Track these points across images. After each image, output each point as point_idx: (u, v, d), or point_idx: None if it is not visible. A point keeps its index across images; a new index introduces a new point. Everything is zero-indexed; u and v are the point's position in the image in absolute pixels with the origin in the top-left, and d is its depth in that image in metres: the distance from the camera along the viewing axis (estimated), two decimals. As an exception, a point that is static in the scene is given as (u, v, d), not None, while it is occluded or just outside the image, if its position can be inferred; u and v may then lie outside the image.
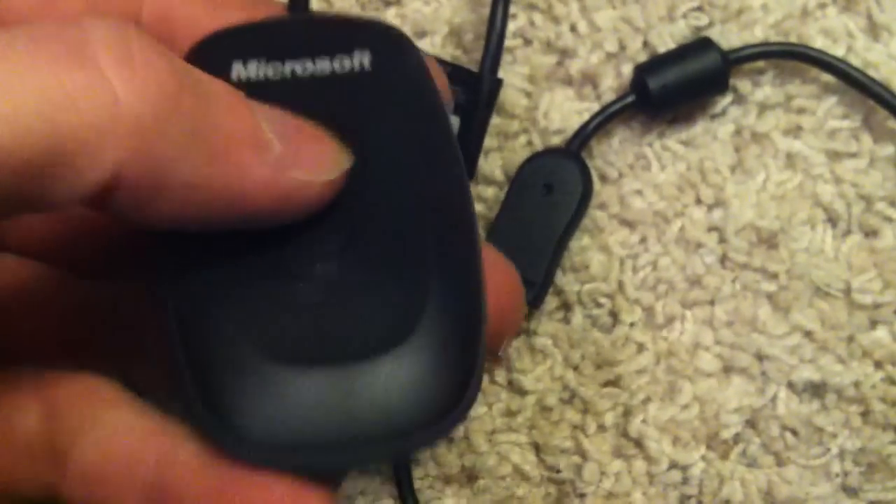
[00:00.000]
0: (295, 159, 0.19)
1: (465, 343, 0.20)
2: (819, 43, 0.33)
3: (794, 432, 0.32)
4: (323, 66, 0.22)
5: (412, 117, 0.22)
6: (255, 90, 0.20)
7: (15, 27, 0.17)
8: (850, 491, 0.32)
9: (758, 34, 0.34)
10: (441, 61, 0.33)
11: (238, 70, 0.22)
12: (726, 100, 0.34)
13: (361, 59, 0.22)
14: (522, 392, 0.33)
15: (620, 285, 0.33)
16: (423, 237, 0.20)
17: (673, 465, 0.32)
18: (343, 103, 0.21)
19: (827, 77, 0.33)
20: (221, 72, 0.21)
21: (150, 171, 0.17)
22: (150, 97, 0.17)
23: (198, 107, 0.18)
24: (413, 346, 0.19)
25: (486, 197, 0.34)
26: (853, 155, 0.33)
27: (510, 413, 0.33)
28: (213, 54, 0.22)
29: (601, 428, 0.33)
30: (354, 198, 0.20)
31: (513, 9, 0.33)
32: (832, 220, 0.33)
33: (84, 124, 0.16)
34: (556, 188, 0.32)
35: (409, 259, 0.20)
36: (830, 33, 0.34)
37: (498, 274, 0.22)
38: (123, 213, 0.18)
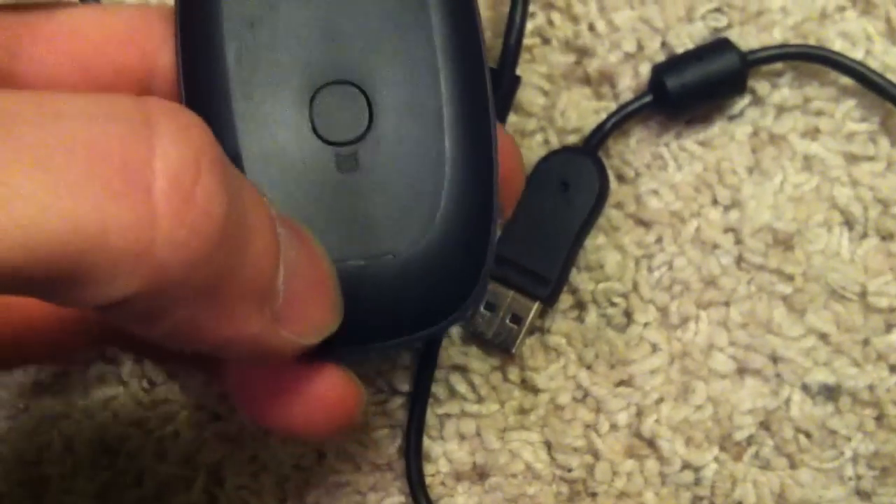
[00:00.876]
0: (289, 317, 0.18)
1: (480, 233, 0.21)
2: (838, 45, 0.33)
3: (808, 435, 0.32)
4: None
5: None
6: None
7: (70, 99, 0.15)
8: (864, 495, 0.32)
9: (776, 36, 0.34)
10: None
11: None
12: (744, 101, 0.33)
13: None
14: (535, 390, 0.33)
15: (635, 285, 0.33)
16: (441, 122, 0.21)
17: (685, 466, 0.32)
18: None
19: (845, 80, 0.33)
20: None
21: (153, 304, 0.16)
22: (190, 248, 0.15)
23: (229, 258, 0.16)
24: (435, 241, 0.20)
25: (502, 194, 0.34)
26: (870, 158, 0.33)
27: (523, 411, 0.33)
28: None
29: (614, 427, 0.33)
30: (375, 82, 0.21)
31: (531, 7, 0.33)
32: (849, 223, 0.33)
33: (108, 260, 0.15)
34: (573, 187, 0.32)
35: (429, 146, 0.21)
36: (849, 36, 0.34)
37: (502, 149, 0.22)
38: (111, 318, 0.16)
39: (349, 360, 0.22)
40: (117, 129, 0.15)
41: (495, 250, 0.22)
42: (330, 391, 0.22)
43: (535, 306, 0.32)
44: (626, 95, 0.34)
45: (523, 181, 0.25)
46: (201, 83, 0.21)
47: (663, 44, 0.34)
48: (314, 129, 0.21)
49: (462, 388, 0.33)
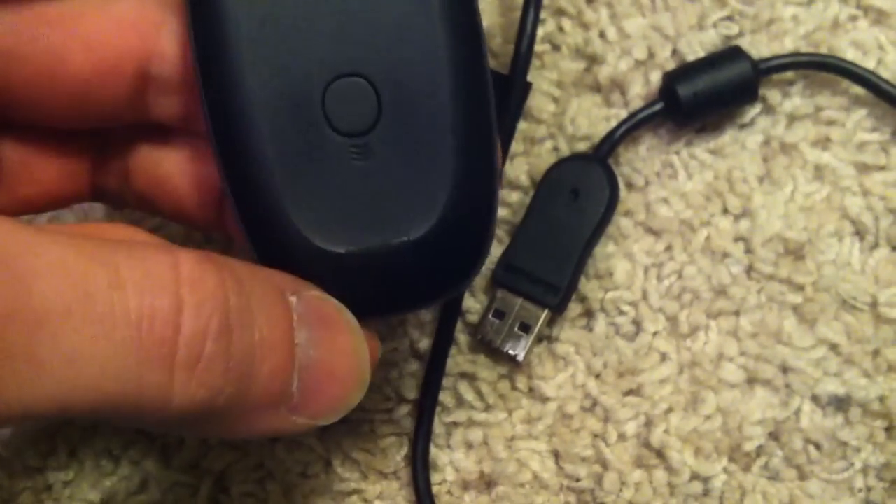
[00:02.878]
0: (305, 407, 0.21)
1: (483, 214, 0.23)
2: (849, 55, 0.33)
3: (818, 446, 0.32)
4: None
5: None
6: None
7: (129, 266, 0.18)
8: (874, 507, 0.32)
9: (788, 45, 0.33)
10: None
11: None
12: (755, 110, 0.33)
13: None
14: (543, 399, 0.33)
15: (644, 294, 0.33)
16: (445, 112, 0.22)
17: (694, 477, 0.32)
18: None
19: (857, 89, 0.33)
20: None
21: (177, 426, 0.20)
22: (198, 397, 0.18)
23: (238, 389, 0.19)
24: (443, 223, 0.22)
25: (511, 202, 0.33)
26: (882, 168, 0.33)
27: (530, 420, 0.33)
28: None
29: (622, 437, 0.33)
30: (382, 74, 0.22)
31: (542, 14, 0.33)
32: (860, 233, 0.33)
33: (138, 408, 0.18)
34: (583, 194, 0.32)
35: (434, 133, 0.22)
36: (861, 45, 0.33)
37: None
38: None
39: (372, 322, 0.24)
40: (160, 303, 0.18)
41: (496, 225, 0.24)
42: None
43: (544, 314, 0.32)
44: (637, 103, 0.33)
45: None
46: (216, 84, 0.22)
47: (674, 51, 0.34)
48: (328, 122, 0.22)
49: (470, 396, 0.33)
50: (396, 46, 0.22)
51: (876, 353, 0.32)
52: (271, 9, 0.22)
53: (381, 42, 0.22)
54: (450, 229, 0.22)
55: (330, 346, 0.21)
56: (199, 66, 0.22)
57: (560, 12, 0.34)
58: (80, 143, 0.25)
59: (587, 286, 0.33)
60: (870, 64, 0.33)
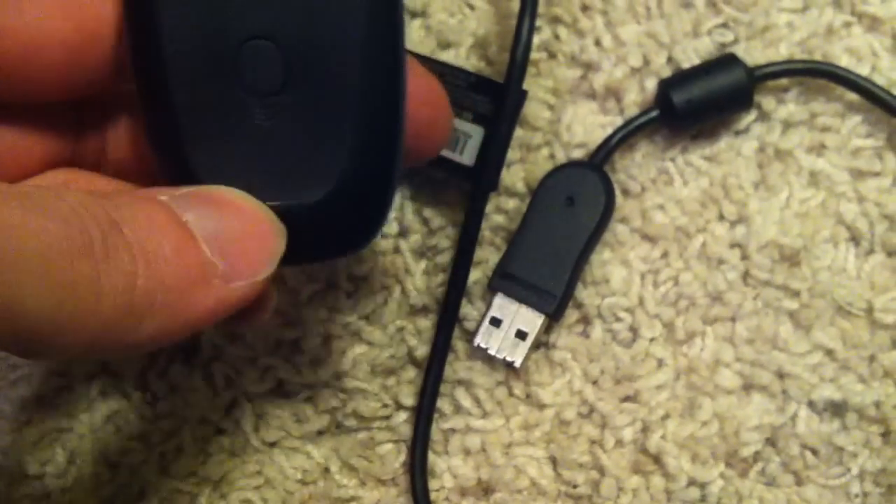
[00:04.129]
0: (236, 270, 0.21)
1: (381, 181, 0.24)
2: (844, 61, 0.33)
3: (814, 452, 0.32)
4: None
5: None
6: None
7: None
8: (870, 512, 0.32)
9: (782, 52, 0.34)
10: (465, 72, 0.33)
11: None
12: (750, 116, 0.33)
13: None
14: (541, 405, 0.33)
15: (641, 300, 0.33)
16: (348, 80, 0.23)
17: (691, 483, 0.32)
18: None
19: (851, 96, 0.33)
20: None
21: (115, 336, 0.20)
22: (124, 288, 0.19)
23: (154, 274, 0.20)
24: (335, 193, 0.23)
25: (507, 209, 0.34)
26: (877, 174, 0.33)
27: (528, 426, 0.33)
28: None
29: (619, 443, 0.33)
30: (288, 37, 0.23)
31: (538, 22, 0.33)
32: (855, 239, 0.33)
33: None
34: (579, 201, 0.32)
35: (336, 100, 0.23)
36: (855, 52, 0.34)
37: (425, 90, 0.25)
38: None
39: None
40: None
41: (396, 192, 0.25)
42: None
43: (541, 321, 0.32)
44: (632, 110, 0.34)
45: (449, 123, 0.27)
46: (139, 37, 0.23)
47: (669, 59, 0.34)
48: (238, 80, 0.23)
49: (467, 402, 0.33)
50: (312, 13, 0.23)
51: (872, 358, 0.32)
52: None
53: (298, 8, 0.23)
54: (343, 197, 0.23)
55: (225, 213, 0.21)
56: (125, 22, 0.23)
57: (555, 20, 0.34)
58: (59, 117, 0.26)
59: (584, 293, 0.33)
60: (864, 70, 0.33)
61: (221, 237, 0.21)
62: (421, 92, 0.25)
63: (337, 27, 0.23)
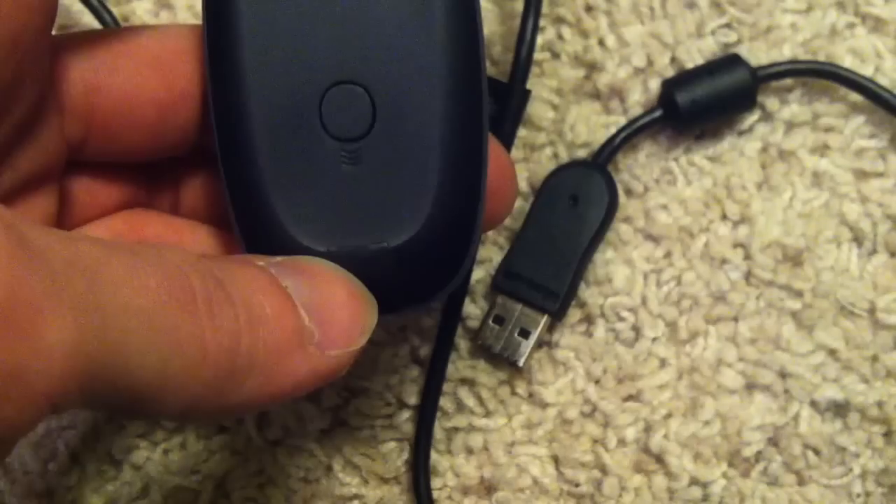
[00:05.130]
0: (330, 339, 0.21)
1: (464, 230, 0.23)
2: (847, 62, 0.33)
3: (817, 451, 0.32)
4: None
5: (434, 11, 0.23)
6: None
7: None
8: (872, 512, 0.32)
9: (786, 52, 0.34)
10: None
11: None
12: (753, 116, 0.34)
13: None
14: (543, 404, 0.33)
15: (644, 299, 0.33)
16: (435, 126, 0.23)
17: (694, 482, 0.32)
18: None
19: (855, 96, 0.33)
20: None
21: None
22: (228, 347, 0.19)
23: (256, 338, 0.20)
24: (421, 237, 0.23)
25: (511, 208, 0.34)
26: (880, 174, 0.33)
27: (530, 425, 0.33)
28: None
29: (622, 442, 0.33)
30: (373, 81, 0.22)
31: (541, 22, 0.33)
32: (858, 240, 0.33)
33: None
34: (582, 201, 0.32)
35: (423, 145, 0.23)
36: (859, 53, 0.34)
37: (494, 161, 0.24)
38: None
39: None
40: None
41: (478, 247, 0.25)
42: None
43: (544, 320, 0.32)
44: (636, 110, 0.34)
45: (515, 193, 0.27)
46: (222, 85, 0.23)
47: (673, 59, 0.34)
48: (323, 126, 0.23)
49: (470, 401, 0.33)
50: (396, 57, 0.22)
51: (874, 358, 0.32)
52: (278, 17, 0.22)
53: (381, 52, 0.22)
54: (429, 241, 0.23)
55: (319, 283, 0.21)
56: (208, 69, 0.23)
57: (559, 20, 0.34)
58: (138, 171, 0.26)
59: (587, 292, 0.33)
60: (868, 71, 0.33)
61: (317, 305, 0.21)
62: (493, 160, 0.24)
63: (422, 71, 0.22)
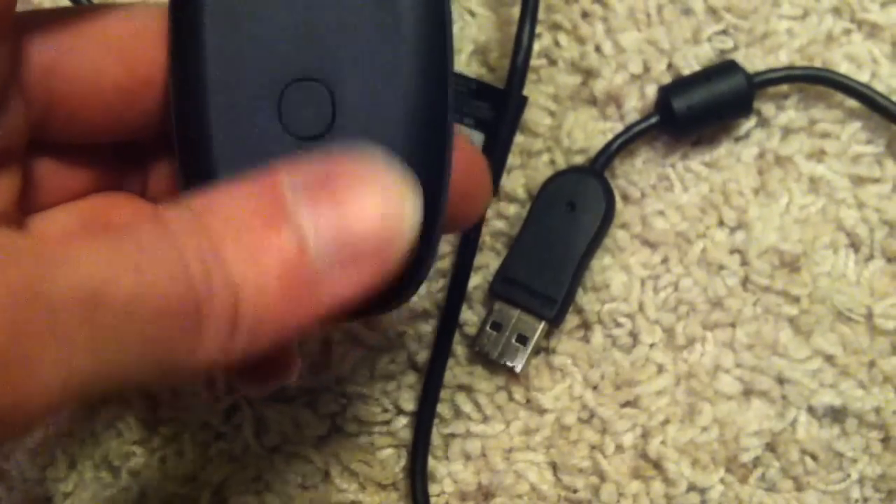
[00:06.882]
0: (351, 278, 0.19)
1: (421, 237, 0.21)
2: (844, 68, 0.34)
3: (814, 457, 0.32)
4: None
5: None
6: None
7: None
8: (870, 518, 0.32)
9: (782, 58, 0.34)
10: (466, 78, 0.33)
11: None
12: (750, 123, 0.34)
13: None
14: (541, 410, 0.33)
15: (641, 305, 0.33)
16: (397, 126, 0.22)
17: (691, 488, 0.32)
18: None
19: (851, 102, 0.33)
20: None
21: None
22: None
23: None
24: None
25: (508, 214, 0.34)
26: (876, 180, 0.33)
27: (528, 431, 0.33)
28: None
29: (619, 448, 0.33)
30: (336, 85, 0.22)
31: (538, 28, 0.34)
32: (855, 245, 0.33)
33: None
34: (579, 207, 0.32)
35: (384, 145, 0.22)
36: (855, 59, 0.34)
37: (464, 160, 0.23)
38: None
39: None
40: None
41: (437, 252, 0.24)
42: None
43: (541, 326, 0.32)
44: (633, 116, 0.34)
45: (488, 193, 0.26)
46: (182, 76, 0.23)
47: (669, 65, 0.34)
48: (281, 123, 0.22)
49: (467, 407, 0.33)
50: (359, 55, 0.22)
51: (871, 364, 0.32)
52: (240, 12, 0.22)
53: (344, 50, 0.22)
54: None
55: (346, 206, 0.19)
56: (169, 60, 0.23)
57: (556, 27, 0.34)
58: (104, 155, 0.26)
59: (584, 298, 0.33)
60: (864, 77, 0.33)
61: (339, 239, 0.19)
62: (463, 162, 0.23)
63: (385, 70, 0.22)
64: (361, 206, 0.19)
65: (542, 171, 0.34)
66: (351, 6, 0.22)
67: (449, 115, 0.23)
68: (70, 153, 0.25)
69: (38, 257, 0.16)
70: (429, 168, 0.23)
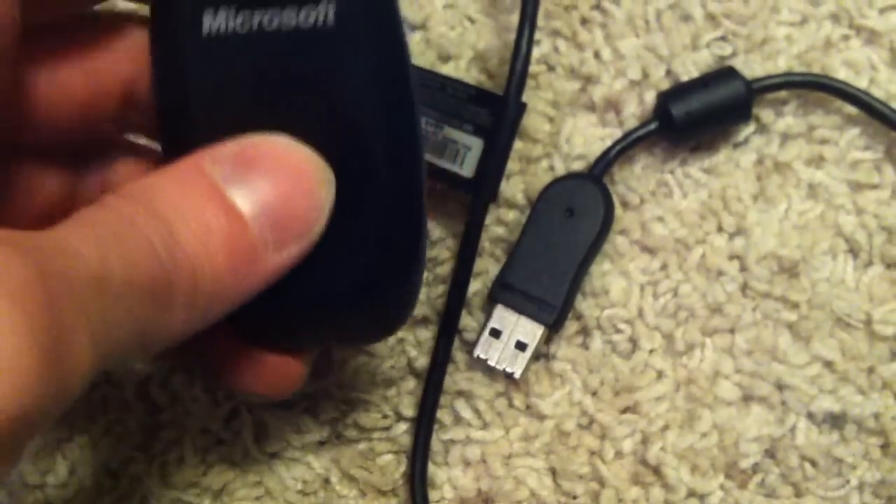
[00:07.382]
0: (285, 237, 0.21)
1: (402, 284, 0.24)
2: (842, 74, 0.34)
3: (814, 463, 0.32)
4: (290, 17, 0.23)
5: (369, 72, 0.23)
6: (222, 47, 0.22)
7: None
8: (870, 524, 0.32)
9: (781, 65, 0.34)
10: (465, 84, 0.33)
11: (209, 22, 0.23)
12: (749, 129, 0.34)
13: (326, 12, 0.23)
14: (540, 416, 0.33)
15: (640, 311, 0.33)
16: (375, 176, 0.23)
17: (691, 494, 0.32)
18: (304, 61, 0.23)
19: (849, 108, 0.33)
20: (193, 22, 0.23)
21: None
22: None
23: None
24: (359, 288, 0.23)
25: (507, 220, 0.34)
26: (875, 186, 0.33)
27: (528, 437, 0.33)
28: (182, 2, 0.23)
29: (619, 454, 0.33)
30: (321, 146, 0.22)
31: (537, 35, 0.34)
32: (853, 251, 0.33)
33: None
34: (578, 213, 0.32)
35: (362, 196, 0.23)
36: (853, 65, 0.34)
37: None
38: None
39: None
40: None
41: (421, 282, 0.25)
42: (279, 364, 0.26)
43: (541, 332, 0.32)
44: (632, 122, 0.34)
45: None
46: (166, 87, 0.23)
47: (668, 71, 0.34)
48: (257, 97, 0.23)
49: (467, 414, 0.33)
50: (330, 108, 0.23)
51: (871, 370, 0.32)
52: (221, 35, 0.23)
53: (316, 105, 0.23)
54: (368, 293, 0.23)
55: (269, 177, 0.21)
56: (151, 61, 0.23)
57: (555, 33, 0.34)
58: (66, 161, 0.27)
59: (583, 304, 0.33)
60: (862, 83, 0.34)
61: (269, 207, 0.21)
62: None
63: (352, 90, 0.23)
64: (279, 180, 0.21)
65: (541, 177, 0.34)
66: (311, 24, 0.23)
67: (421, 169, 0.24)
68: (41, 160, 0.26)
69: (44, 249, 0.18)
70: (404, 234, 0.23)
